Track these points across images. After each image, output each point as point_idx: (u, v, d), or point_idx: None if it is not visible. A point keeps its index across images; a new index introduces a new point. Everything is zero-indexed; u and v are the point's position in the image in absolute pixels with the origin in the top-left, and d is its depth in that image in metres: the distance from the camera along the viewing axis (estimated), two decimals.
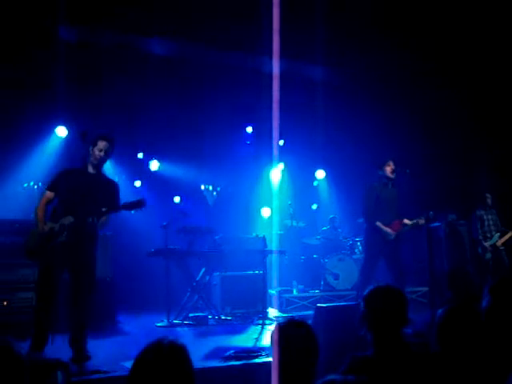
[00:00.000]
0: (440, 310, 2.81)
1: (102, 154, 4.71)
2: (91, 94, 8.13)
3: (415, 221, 6.50)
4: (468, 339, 2.63)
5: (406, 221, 6.58)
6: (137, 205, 4.53)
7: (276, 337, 2.73)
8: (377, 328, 2.75)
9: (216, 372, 4.22)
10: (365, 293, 2.93)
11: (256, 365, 4.36)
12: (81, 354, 4.45)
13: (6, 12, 6.63)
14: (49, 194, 4.77)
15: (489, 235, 7.91)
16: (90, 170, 4.78)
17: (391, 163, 6.61)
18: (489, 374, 2.55)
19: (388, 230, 6.40)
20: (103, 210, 4.57)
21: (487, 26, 7.32)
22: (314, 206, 10.43)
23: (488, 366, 2.59)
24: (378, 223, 6.40)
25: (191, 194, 9.48)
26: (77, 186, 4.66)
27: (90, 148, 4.74)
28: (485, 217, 8.02)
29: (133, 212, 4.52)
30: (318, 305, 5.13)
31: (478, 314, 2.84)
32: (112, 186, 4.85)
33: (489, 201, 8.06)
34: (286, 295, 8.07)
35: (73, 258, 4.55)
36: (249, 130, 10.04)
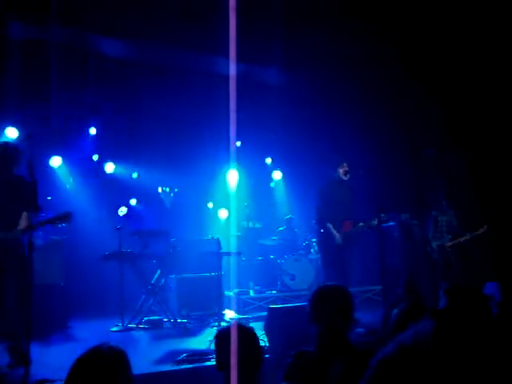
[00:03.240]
0: (395, 311, 2.86)
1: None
2: (43, 95, 7.95)
3: (366, 223, 6.65)
4: None
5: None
6: (62, 219, 4.39)
7: (217, 342, 2.76)
8: (321, 326, 2.80)
9: (168, 376, 4.20)
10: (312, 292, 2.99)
11: (208, 367, 4.35)
12: (22, 359, 4.32)
13: None
14: None
15: (439, 235, 8.02)
16: None
17: (344, 165, 6.73)
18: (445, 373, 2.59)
19: (336, 234, 6.56)
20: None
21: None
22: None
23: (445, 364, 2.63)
24: (329, 225, 6.55)
25: (147, 197, 9.38)
26: None
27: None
28: (439, 218, 8.11)
29: (59, 226, 4.30)
30: (271, 306, 5.16)
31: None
32: (25, 188, 4.58)
33: (444, 204, 8.15)
34: (243, 296, 8.06)
35: (6, 270, 4.45)
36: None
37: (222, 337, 2.84)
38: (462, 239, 7.74)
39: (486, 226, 7.71)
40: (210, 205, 10.08)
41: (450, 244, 7.89)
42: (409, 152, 9.50)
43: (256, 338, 2.80)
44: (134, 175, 9.59)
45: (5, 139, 8.26)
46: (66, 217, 4.37)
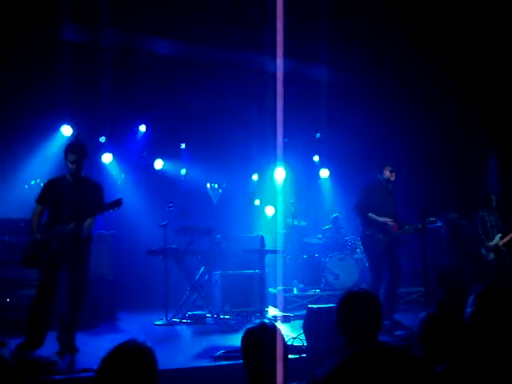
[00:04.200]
0: (422, 314, 2.75)
1: (73, 166, 4.88)
2: (96, 94, 8.22)
3: (412, 226, 6.54)
4: (450, 345, 2.57)
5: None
6: (114, 204, 4.63)
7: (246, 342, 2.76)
8: (348, 334, 2.70)
9: (203, 371, 4.28)
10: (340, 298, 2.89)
11: None
12: (69, 347, 4.51)
13: (10, 10, 6.74)
14: (38, 207, 5.00)
15: (490, 236, 7.89)
16: (70, 178, 4.95)
17: (389, 167, 6.67)
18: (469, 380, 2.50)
19: (381, 219, 6.44)
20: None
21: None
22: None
23: (469, 371, 2.51)
24: (371, 214, 6.46)
25: (195, 193, 9.53)
26: (62, 196, 4.84)
27: (64, 159, 4.94)
28: (487, 218, 7.97)
29: (111, 211, 4.64)
30: (309, 306, 5.17)
31: (461, 319, 2.76)
32: (95, 191, 5.00)
33: (493, 202, 8.02)
34: (286, 294, 8.09)
35: (66, 261, 4.70)
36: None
37: (253, 337, 2.81)
38: (511, 236, 7.66)
39: None
40: (257, 202, 10.14)
41: (502, 242, 7.78)
42: (460, 149, 9.30)
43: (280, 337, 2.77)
44: (183, 172, 9.77)
45: (60, 137, 8.65)
46: (118, 203, 4.61)
